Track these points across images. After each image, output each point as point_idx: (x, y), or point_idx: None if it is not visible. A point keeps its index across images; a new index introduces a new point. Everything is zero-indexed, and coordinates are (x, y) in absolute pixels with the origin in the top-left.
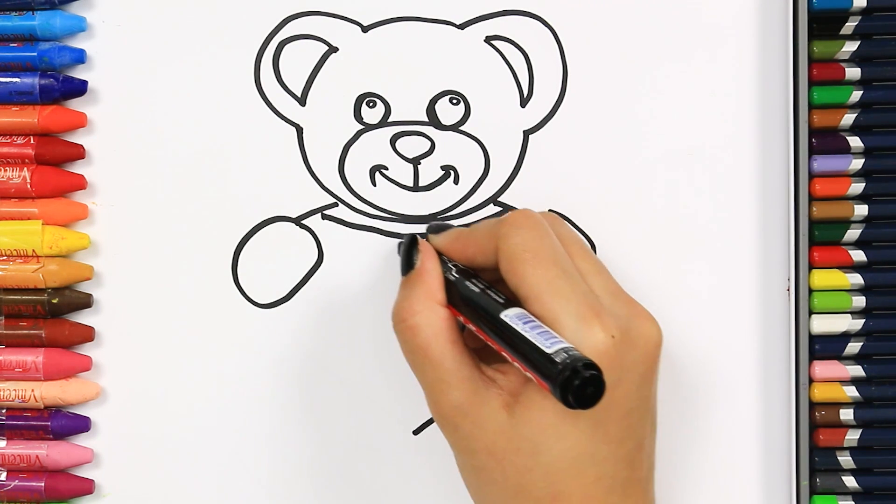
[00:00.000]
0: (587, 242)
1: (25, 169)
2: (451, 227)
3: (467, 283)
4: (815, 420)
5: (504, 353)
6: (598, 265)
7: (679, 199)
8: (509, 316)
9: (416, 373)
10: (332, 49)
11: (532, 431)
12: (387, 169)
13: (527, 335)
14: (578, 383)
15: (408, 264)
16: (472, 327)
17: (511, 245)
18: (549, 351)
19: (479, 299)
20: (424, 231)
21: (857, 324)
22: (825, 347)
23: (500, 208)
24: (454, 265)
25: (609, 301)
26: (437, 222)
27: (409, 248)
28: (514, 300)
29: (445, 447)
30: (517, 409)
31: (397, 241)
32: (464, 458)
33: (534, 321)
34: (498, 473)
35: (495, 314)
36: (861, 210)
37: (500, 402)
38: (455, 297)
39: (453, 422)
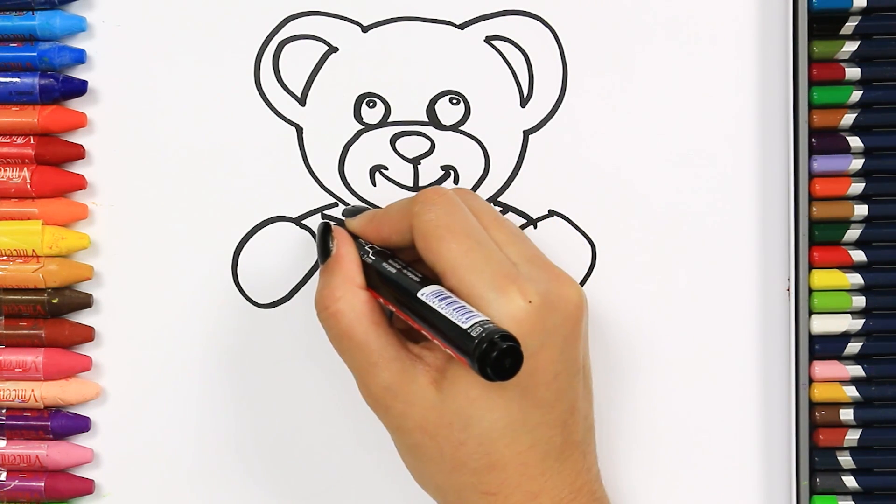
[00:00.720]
0: (499, 212)
1: (25, 169)
2: (365, 209)
3: (384, 264)
4: (815, 420)
5: (424, 332)
6: (513, 234)
7: (679, 199)
8: (426, 294)
9: (344, 359)
10: (332, 49)
11: (461, 405)
12: (387, 169)
13: (443, 311)
14: (496, 355)
15: (324, 251)
16: (392, 308)
17: (424, 221)
18: (464, 326)
19: (396, 279)
20: (340, 216)
21: (857, 324)
22: (825, 347)
23: (500, 208)
24: (371, 248)
25: (527, 268)
26: (352, 206)
27: (323, 235)
28: (431, 278)
29: None
30: (444, 384)
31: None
32: (399, 438)
33: (450, 297)
34: (433, 450)
35: (412, 293)
36: (861, 210)
37: (428, 378)
38: (374, 280)
39: (384, 403)
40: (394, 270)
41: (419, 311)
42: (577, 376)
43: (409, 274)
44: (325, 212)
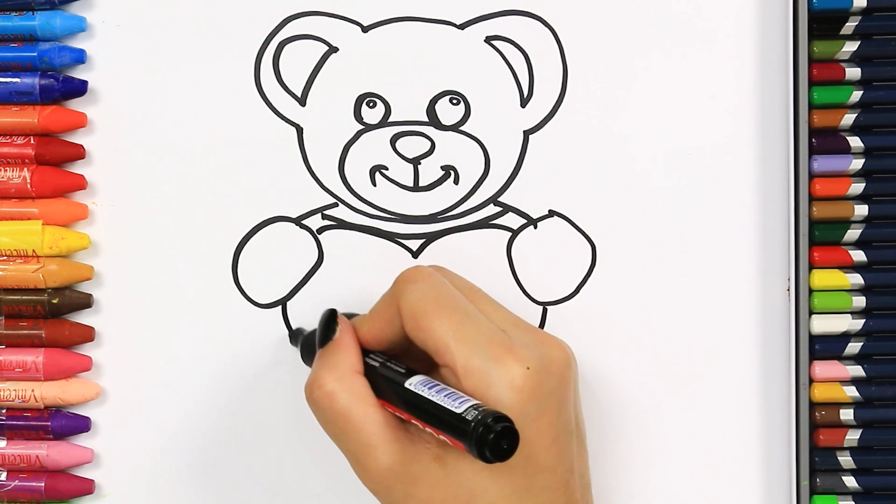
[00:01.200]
0: (474, 285)
1: (25, 169)
2: (357, 315)
3: (367, 358)
4: (816, 420)
5: (416, 422)
6: (494, 302)
7: (679, 199)
8: (413, 384)
9: (338, 443)
10: (333, 49)
11: (466, 478)
12: (387, 169)
13: (434, 399)
14: (493, 437)
15: (324, 337)
16: (388, 408)
17: (410, 301)
18: (458, 410)
19: (382, 371)
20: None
21: (858, 324)
22: (825, 347)
23: (500, 208)
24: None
25: (516, 333)
26: (347, 312)
27: (328, 321)
28: (414, 369)
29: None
30: (448, 459)
31: (290, 336)
32: None
33: (438, 385)
34: None
35: (400, 383)
36: (861, 210)
37: (430, 455)
38: (374, 379)
39: (386, 485)
40: (377, 363)
41: (409, 401)
42: (573, 435)
43: (392, 366)
44: (326, 212)
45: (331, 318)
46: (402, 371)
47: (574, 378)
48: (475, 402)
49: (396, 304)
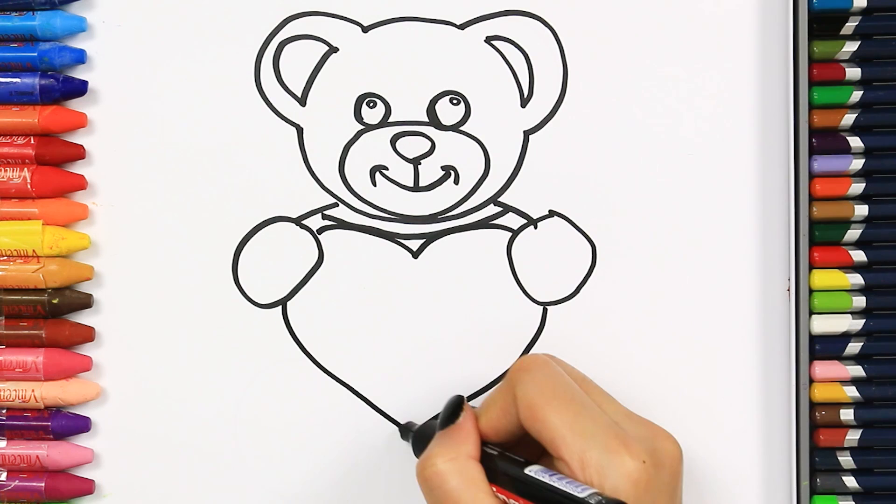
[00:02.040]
0: (585, 375)
1: (26, 169)
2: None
3: (485, 447)
4: (816, 420)
5: None
6: (605, 393)
7: (679, 199)
8: (533, 471)
9: None
10: (333, 49)
11: None
12: (387, 169)
13: (556, 485)
14: None
15: (447, 420)
16: (501, 495)
17: (526, 391)
18: (581, 496)
19: (500, 459)
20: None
21: (858, 324)
22: (825, 347)
23: (500, 208)
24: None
25: (629, 426)
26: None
27: (455, 406)
28: (530, 460)
29: None
30: None
31: (400, 427)
32: None
33: (557, 473)
34: None
35: (519, 470)
36: (861, 210)
37: None
38: (497, 476)
39: None
40: (495, 452)
41: (530, 488)
42: None
43: (510, 455)
44: (326, 212)
45: (457, 404)
46: (521, 460)
47: (682, 472)
48: (593, 490)
49: (512, 393)
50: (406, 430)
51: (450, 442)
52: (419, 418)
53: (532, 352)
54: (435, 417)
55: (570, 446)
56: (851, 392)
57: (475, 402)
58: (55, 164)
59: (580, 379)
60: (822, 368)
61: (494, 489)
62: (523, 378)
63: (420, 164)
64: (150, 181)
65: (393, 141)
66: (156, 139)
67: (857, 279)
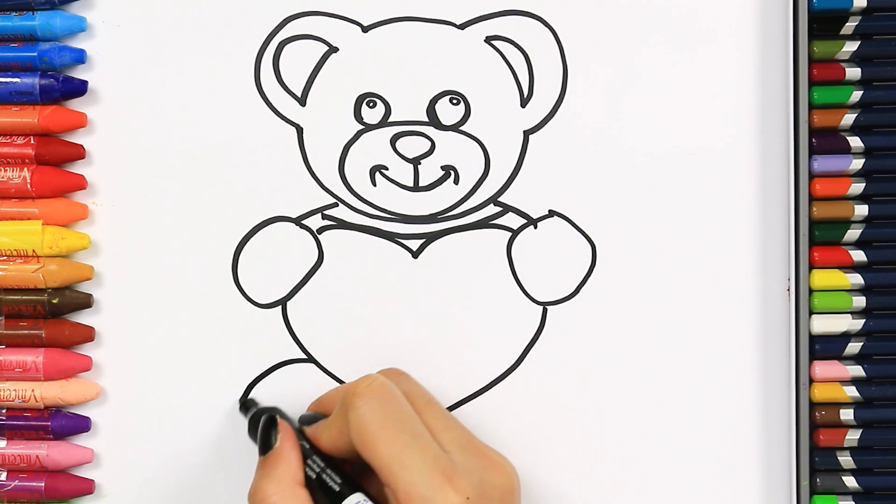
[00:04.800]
0: (430, 395)
1: (25, 169)
2: (322, 417)
3: (306, 467)
4: (816, 420)
5: None
6: (446, 419)
7: (679, 199)
8: (349, 502)
9: None
10: (333, 49)
11: None
12: (387, 169)
13: None
14: None
15: (265, 445)
16: None
17: (357, 417)
18: None
19: (318, 483)
20: (279, 410)
21: (858, 324)
22: (825, 347)
23: (500, 208)
24: (314, 451)
25: (460, 457)
26: (308, 413)
27: (267, 428)
28: (357, 483)
29: None
30: None
31: (240, 402)
32: None
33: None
34: None
35: (335, 500)
36: (861, 210)
37: None
38: (307, 481)
39: None
40: (313, 475)
41: None
42: None
43: (329, 479)
44: (326, 212)
45: (270, 425)
46: (338, 487)
47: (517, 502)
48: None
49: (346, 417)
50: (246, 407)
51: (273, 471)
52: None
53: (533, 351)
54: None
55: (396, 478)
56: (851, 392)
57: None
58: (55, 164)
59: (424, 401)
60: (822, 368)
61: None
62: (356, 403)
63: (420, 163)
64: (150, 181)
65: (393, 141)
66: (156, 139)
67: (857, 279)
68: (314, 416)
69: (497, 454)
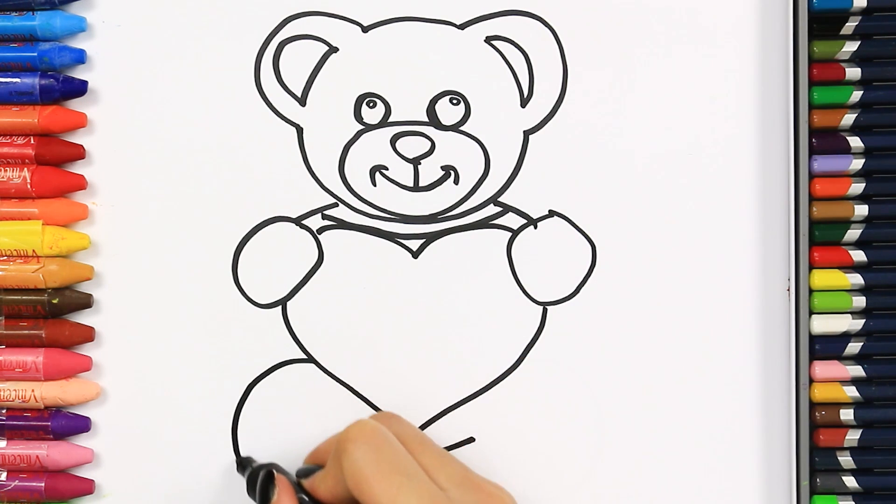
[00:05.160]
0: (423, 434)
1: (25, 169)
2: (319, 468)
3: None
4: (816, 420)
5: None
6: (441, 457)
7: (679, 200)
8: None
9: None
10: (333, 49)
11: None
12: (387, 169)
13: None
14: None
15: (264, 500)
16: None
17: (351, 463)
18: None
19: None
20: (277, 465)
21: (858, 324)
22: (825, 347)
23: (500, 208)
24: (310, 499)
25: (458, 493)
26: (305, 466)
27: (265, 484)
28: None
29: (442, 445)
30: None
31: (237, 460)
32: None
33: None
34: None
35: None
36: (861, 210)
37: None
38: None
39: None
40: None
41: None
42: None
43: None
44: (326, 212)
45: (268, 480)
46: None
47: None
48: None
49: (340, 463)
50: (243, 466)
51: None
52: (422, 418)
53: (533, 351)
54: (265, 466)
55: None
56: (851, 392)
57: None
58: (55, 164)
59: (417, 441)
60: (822, 368)
61: None
62: (349, 448)
63: (420, 163)
64: (150, 181)
65: (393, 141)
66: (156, 139)
67: (857, 279)
68: (310, 469)
69: (494, 486)
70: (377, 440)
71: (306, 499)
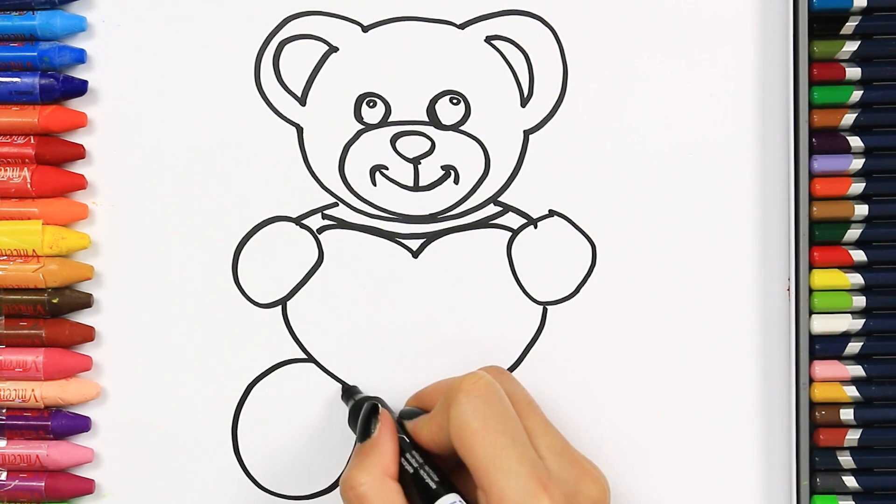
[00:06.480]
0: (531, 398)
1: (26, 169)
2: (422, 412)
3: (403, 460)
4: (816, 420)
5: None
6: (544, 424)
7: (679, 199)
8: (443, 502)
9: None
10: (333, 49)
11: None
12: (387, 169)
13: None
14: None
15: (365, 432)
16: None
17: (459, 414)
18: None
19: (415, 479)
20: (381, 400)
21: (858, 324)
22: (825, 347)
23: (500, 208)
24: (412, 444)
25: (556, 464)
26: (409, 407)
27: (368, 416)
28: (451, 482)
29: None
30: None
31: (343, 387)
32: None
33: None
34: None
35: (430, 498)
36: (861, 210)
37: None
38: (403, 475)
39: None
40: (410, 470)
41: None
42: None
43: (426, 476)
44: (326, 212)
45: (371, 413)
46: (434, 485)
47: None
48: None
49: (447, 413)
50: (348, 394)
51: (367, 461)
52: None
53: (533, 351)
54: (372, 398)
55: (492, 481)
56: (851, 392)
57: None
58: (55, 164)
59: (525, 403)
60: (822, 368)
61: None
62: (460, 400)
63: (420, 163)
64: (150, 181)
65: (393, 141)
66: (156, 139)
67: (857, 279)
68: (415, 411)
69: (591, 464)
70: (489, 396)
71: (407, 440)
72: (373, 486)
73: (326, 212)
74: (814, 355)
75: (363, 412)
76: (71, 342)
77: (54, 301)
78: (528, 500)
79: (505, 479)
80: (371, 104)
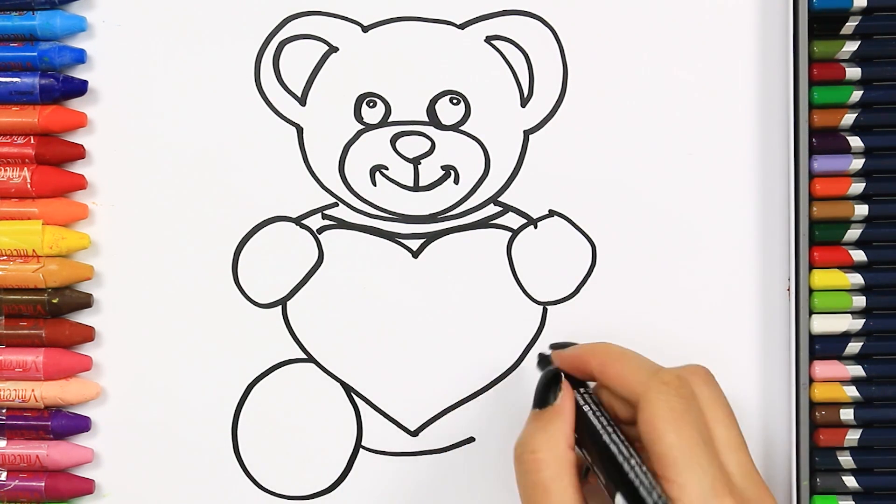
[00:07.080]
0: (731, 411)
1: (26, 169)
2: (571, 344)
3: (598, 425)
4: (816, 420)
5: (600, 476)
6: (738, 438)
7: (679, 199)
8: (632, 464)
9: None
10: (333, 49)
11: None
12: (387, 169)
13: (635, 477)
14: None
15: (543, 399)
16: (594, 468)
17: (657, 398)
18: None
19: (595, 447)
20: (550, 348)
21: (858, 324)
22: (825, 347)
23: (500, 208)
24: (589, 395)
25: (742, 481)
26: (559, 342)
27: (549, 383)
28: (640, 455)
29: (442, 445)
30: None
31: (539, 356)
32: None
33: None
34: None
35: (624, 474)
36: (861, 210)
37: None
38: (583, 431)
39: None
40: (601, 432)
41: (609, 469)
42: None
43: (611, 444)
44: (326, 212)
45: (554, 381)
46: (620, 457)
47: None
48: None
49: (643, 389)
50: (544, 362)
51: (548, 426)
52: (421, 418)
53: (533, 351)
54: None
55: (679, 471)
56: (851, 392)
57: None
58: (55, 164)
59: (723, 409)
60: (822, 368)
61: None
62: (663, 389)
63: (420, 163)
64: (150, 181)
65: (393, 141)
66: (156, 139)
67: (857, 279)
68: (565, 343)
69: (772, 496)
70: (690, 399)
71: (582, 392)
72: (551, 453)
73: (326, 212)
74: (814, 355)
75: (542, 379)
76: (71, 342)
77: (54, 301)
78: (712, 499)
79: (691, 472)
80: (371, 104)
